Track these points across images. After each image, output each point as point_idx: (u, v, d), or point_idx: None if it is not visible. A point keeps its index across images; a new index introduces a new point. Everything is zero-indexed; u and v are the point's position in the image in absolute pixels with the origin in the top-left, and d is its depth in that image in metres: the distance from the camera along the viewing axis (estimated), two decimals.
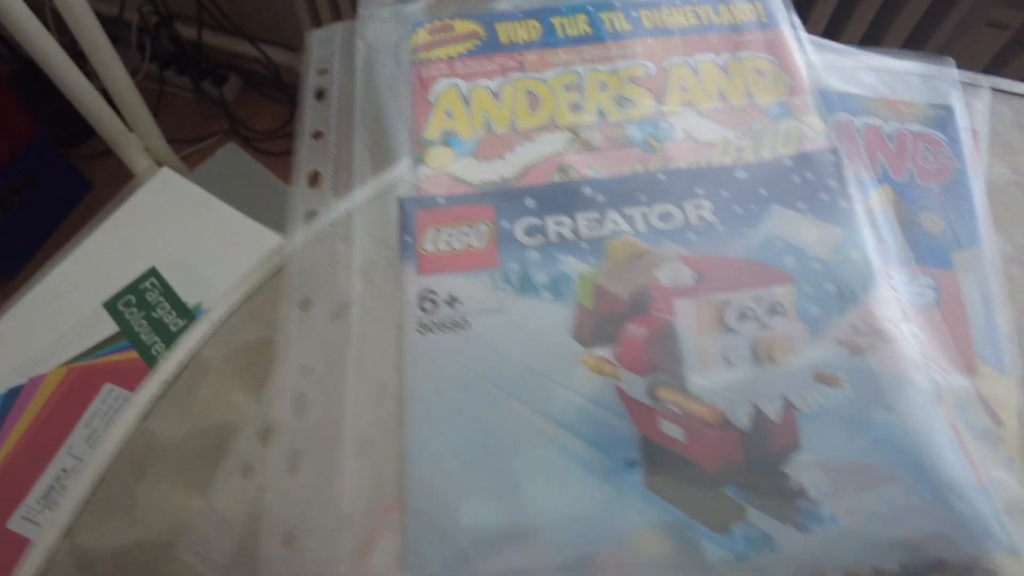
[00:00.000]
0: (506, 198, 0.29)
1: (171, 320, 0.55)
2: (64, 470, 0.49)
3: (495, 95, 0.32)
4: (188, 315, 0.55)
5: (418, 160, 0.31)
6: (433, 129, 0.31)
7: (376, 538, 0.24)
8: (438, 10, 0.35)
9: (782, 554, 0.22)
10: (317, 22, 0.99)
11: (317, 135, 0.33)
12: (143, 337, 0.54)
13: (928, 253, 0.30)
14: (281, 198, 0.32)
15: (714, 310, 0.26)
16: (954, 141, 0.32)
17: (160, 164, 0.67)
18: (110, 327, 0.54)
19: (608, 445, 0.24)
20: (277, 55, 1.19)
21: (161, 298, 0.56)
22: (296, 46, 1.17)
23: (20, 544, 0.47)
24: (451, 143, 0.31)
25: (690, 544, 0.22)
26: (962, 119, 0.33)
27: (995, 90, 0.34)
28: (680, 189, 0.29)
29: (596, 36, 0.33)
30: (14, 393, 0.52)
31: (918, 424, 0.24)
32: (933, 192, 0.31)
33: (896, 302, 0.27)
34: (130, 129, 0.66)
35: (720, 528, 0.23)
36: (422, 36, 0.34)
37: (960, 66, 0.34)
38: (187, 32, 1.19)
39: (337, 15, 0.97)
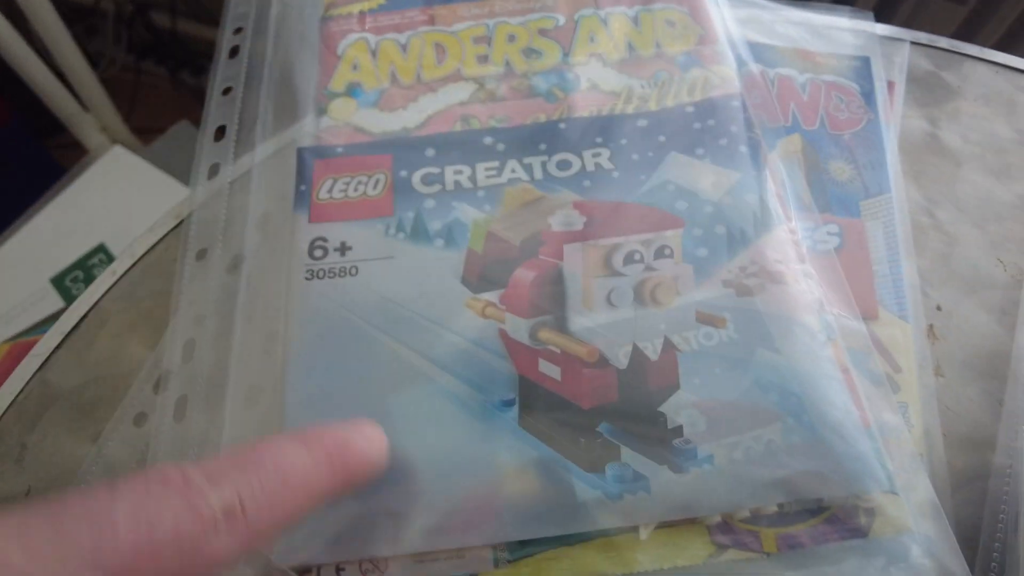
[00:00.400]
0: (405, 147, 0.29)
1: None
2: None
3: (403, 47, 0.32)
4: None
5: (321, 111, 0.30)
6: (338, 81, 0.31)
7: None
8: None
9: (656, 494, 0.22)
10: None
11: (227, 91, 0.33)
12: None
13: (836, 201, 0.29)
14: None
15: (602, 254, 0.26)
16: (868, 92, 0.32)
17: (115, 143, 0.67)
18: (56, 302, 0.54)
19: (487, 385, 0.24)
20: None
21: None
22: None
23: None
24: (355, 94, 0.31)
25: (561, 482, 0.22)
26: (878, 70, 0.32)
27: (914, 43, 0.34)
28: (580, 138, 0.29)
29: None
30: None
31: (803, 365, 0.24)
32: (844, 141, 0.31)
33: (792, 245, 0.26)
34: (86, 109, 0.66)
35: (592, 467, 0.22)
36: None
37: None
38: (163, 21, 1.19)
39: None
